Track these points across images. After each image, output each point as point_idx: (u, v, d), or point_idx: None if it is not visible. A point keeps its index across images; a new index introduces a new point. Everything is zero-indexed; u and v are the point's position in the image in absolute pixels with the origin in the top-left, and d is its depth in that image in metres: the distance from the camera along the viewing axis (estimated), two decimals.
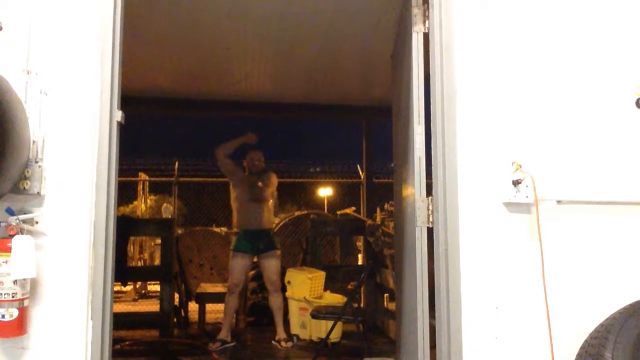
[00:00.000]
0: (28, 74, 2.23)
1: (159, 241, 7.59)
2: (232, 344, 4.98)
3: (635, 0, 2.62)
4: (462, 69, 2.50)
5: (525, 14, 2.56)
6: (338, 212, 8.66)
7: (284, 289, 5.22)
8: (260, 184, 5.11)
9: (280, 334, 5.05)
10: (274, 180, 5.30)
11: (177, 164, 9.04)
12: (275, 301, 5.11)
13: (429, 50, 2.61)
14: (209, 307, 6.12)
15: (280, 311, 5.12)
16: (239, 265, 5.03)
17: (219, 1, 3.84)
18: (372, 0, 3.81)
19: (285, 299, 5.21)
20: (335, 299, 5.18)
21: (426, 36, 2.67)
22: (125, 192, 9.12)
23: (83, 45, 2.32)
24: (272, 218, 5.32)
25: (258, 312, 6.04)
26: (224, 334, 4.99)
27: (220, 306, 5.89)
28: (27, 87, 2.23)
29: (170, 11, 4.02)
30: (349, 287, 6.22)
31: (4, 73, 2.08)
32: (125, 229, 5.43)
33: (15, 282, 2.05)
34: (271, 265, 5.08)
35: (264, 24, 4.28)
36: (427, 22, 2.68)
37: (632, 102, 2.54)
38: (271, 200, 5.23)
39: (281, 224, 8.39)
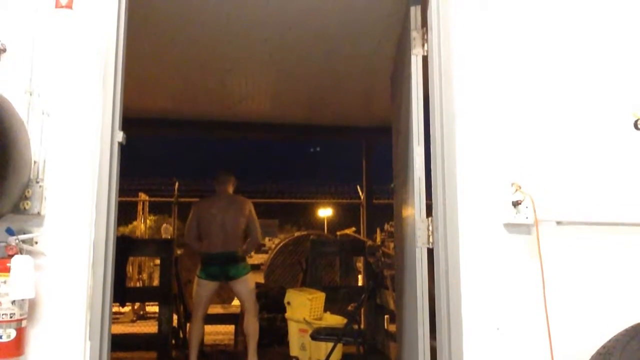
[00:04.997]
0: (30, 95, 2.25)
1: (158, 262, 7.56)
2: None
3: (633, 24, 2.65)
4: (461, 91, 2.52)
5: (525, 36, 2.58)
6: (338, 233, 8.67)
7: (281, 310, 5.14)
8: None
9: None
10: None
11: (177, 184, 9.05)
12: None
13: (428, 73, 2.63)
14: (208, 328, 6.05)
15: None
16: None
17: (219, 23, 3.89)
18: (372, 22, 3.85)
19: (284, 320, 5.15)
20: (335, 320, 5.13)
21: (425, 59, 2.70)
22: (125, 212, 9.11)
23: (85, 66, 2.34)
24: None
25: None
26: None
27: (219, 327, 5.83)
28: (29, 107, 2.24)
29: (171, 33, 4.07)
30: (349, 308, 6.17)
31: (6, 94, 2.10)
32: (125, 249, 5.41)
33: (13, 302, 2.03)
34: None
35: (264, 46, 4.33)
36: (426, 45, 2.71)
37: (630, 124, 2.55)
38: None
39: (281, 244, 8.36)
